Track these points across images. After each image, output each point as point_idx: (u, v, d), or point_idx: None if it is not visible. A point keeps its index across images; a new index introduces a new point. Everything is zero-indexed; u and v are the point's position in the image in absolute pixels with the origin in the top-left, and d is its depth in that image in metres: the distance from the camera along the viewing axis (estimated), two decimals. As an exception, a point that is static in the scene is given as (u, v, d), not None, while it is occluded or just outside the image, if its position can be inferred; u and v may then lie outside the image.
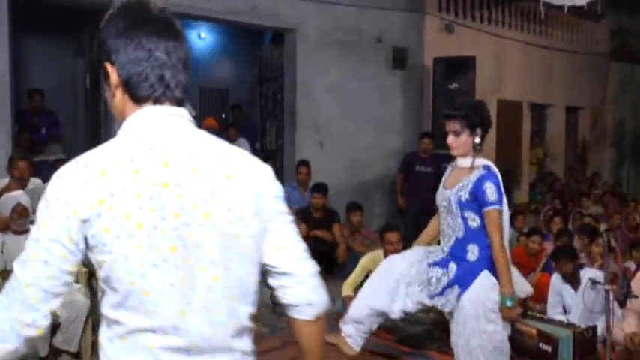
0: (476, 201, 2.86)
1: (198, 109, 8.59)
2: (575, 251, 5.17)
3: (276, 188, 1.45)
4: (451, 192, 2.95)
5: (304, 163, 6.56)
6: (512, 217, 7.14)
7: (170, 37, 1.31)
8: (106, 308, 1.32)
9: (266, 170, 1.44)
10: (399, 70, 7.88)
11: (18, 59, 6.78)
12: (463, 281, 2.96)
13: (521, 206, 9.02)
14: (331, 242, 5.96)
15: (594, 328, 4.32)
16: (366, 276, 5.17)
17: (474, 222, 2.91)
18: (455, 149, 2.97)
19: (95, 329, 4.26)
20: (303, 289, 1.48)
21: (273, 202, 1.42)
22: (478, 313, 2.90)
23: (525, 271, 5.39)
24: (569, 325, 4.35)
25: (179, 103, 1.37)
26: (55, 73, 8.05)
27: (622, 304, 4.62)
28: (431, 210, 7.16)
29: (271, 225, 1.41)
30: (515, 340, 4.27)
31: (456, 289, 2.97)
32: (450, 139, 2.97)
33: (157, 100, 1.31)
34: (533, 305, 5.07)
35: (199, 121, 7.42)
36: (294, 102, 7.07)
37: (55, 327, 3.99)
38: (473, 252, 2.94)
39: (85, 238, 1.23)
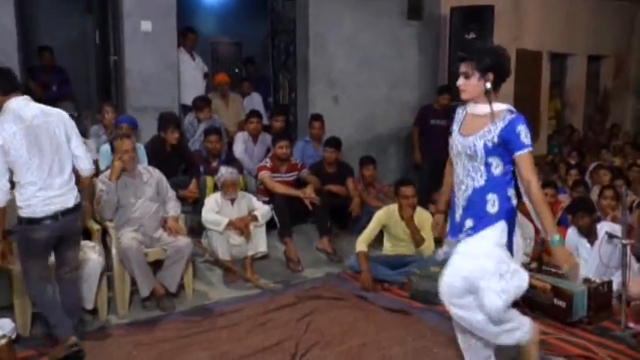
0: (506, 145, 2.76)
1: (210, 64, 8.48)
2: (593, 204, 5.06)
3: (71, 122, 3.66)
4: (475, 137, 2.82)
5: (318, 117, 6.47)
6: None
7: None
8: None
9: (64, 113, 3.65)
10: (415, 20, 7.65)
11: (27, 16, 6.72)
12: (477, 229, 2.86)
13: (539, 158, 8.85)
14: (345, 197, 5.92)
15: (610, 283, 4.27)
16: (381, 231, 5.17)
17: (498, 168, 2.81)
18: (464, 92, 2.87)
19: (110, 286, 4.32)
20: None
21: (70, 128, 3.62)
22: (482, 250, 2.82)
23: (541, 225, 5.33)
24: (584, 280, 4.30)
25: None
26: (64, 29, 7.99)
27: (639, 259, 4.55)
28: (445, 161, 7.17)
29: (71, 138, 3.61)
30: (529, 295, 4.24)
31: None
32: (460, 81, 2.86)
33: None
34: (547, 260, 5.02)
35: (211, 76, 7.33)
36: (307, 55, 6.93)
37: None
38: (493, 203, 2.82)
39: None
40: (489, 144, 2.78)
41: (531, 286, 4.22)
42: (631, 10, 11.22)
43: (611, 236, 4.41)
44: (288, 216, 5.42)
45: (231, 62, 10.14)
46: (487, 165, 2.82)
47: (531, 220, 5.09)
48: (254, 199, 5.28)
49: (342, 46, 7.05)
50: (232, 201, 5.08)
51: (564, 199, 5.90)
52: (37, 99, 6.33)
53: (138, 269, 4.29)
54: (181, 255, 4.45)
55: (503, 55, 2.88)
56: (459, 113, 3.02)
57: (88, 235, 4.46)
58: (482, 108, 2.84)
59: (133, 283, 4.38)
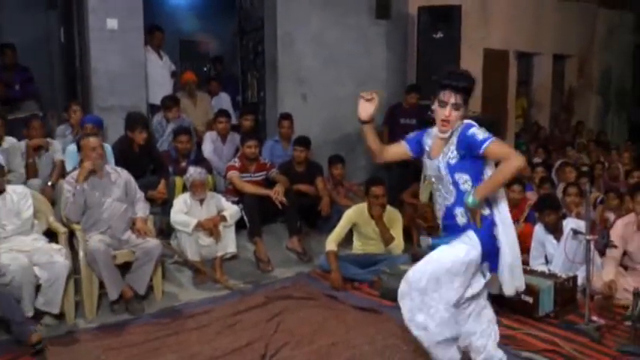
0: (469, 153, 2.72)
1: (178, 63, 8.39)
2: (559, 202, 5.17)
3: None
4: (439, 159, 2.83)
5: (287, 117, 6.46)
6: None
7: None
8: None
9: None
10: (383, 19, 7.69)
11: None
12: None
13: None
14: (314, 196, 5.92)
15: (575, 278, 4.37)
16: (350, 230, 5.19)
17: (466, 183, 2.79)
18: (448, 124, 2.75)
19: (77, 290, 4.24)
20: None
21: None
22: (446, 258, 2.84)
23: (508, 222, 5.41)
24: (550, 275, 4.39)
25: None
26: (27, 26, 7.79)
27: (602, 254, 4.66)
28: (415, 162, 7.25)
29: None
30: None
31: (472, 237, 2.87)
32: (448, 113, 2.73)
33: None
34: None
35: (179, 75, 7.25)
36: (276, 54, 6.91)
37: (36, 289, 3.96)
38: (462, 215, 2.82)
39: None
40: (451, 161, 2.78)
41: (499, 283, 4.33)
42: (593, 11, 11.48)
43: (575, 232, 4.50)
44: (257, 216, 5.40)
45: (199, 61, 10.05)
46: (455, 184, 2.81)
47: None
48: (223, 199, 5.25)
49: (310, 44, 7.05)
50: (201, 201, 5.04)
51: (531, 197, 5.99)
52: (0, 99, 6.30)
53: (106, 272, 4.22)
54: (150, 257, 4.40)
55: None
56: (426, 137, 2.98)
57: (54, 237, 4.38)
58: (449, 132, 2.82)
59: (101, 286, 4.31)
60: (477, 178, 2.78)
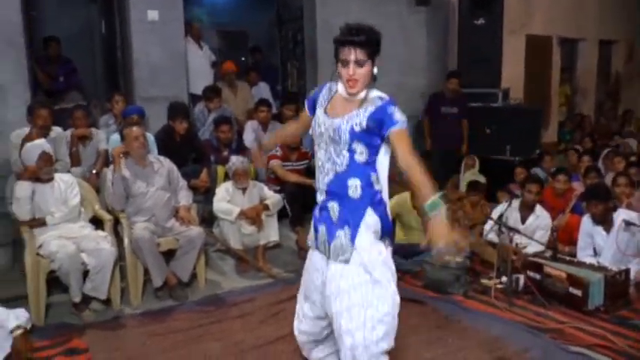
0: (377, 128, 2.44)
1: (217, 53, 8.41)
2: (608, 191, 4.99)
3: None
4: (341, 120, 2.48)
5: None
6: (540, 158, 6.99)
7: None
8: None
9: None
10: (423, 6, 7.58)
11: (32, 7, 6.66)
12: (352, 220, 2.52)
13: (549, 146, 8.80)
14: (356, 185, 5.87)
15: (627, 271, 4.22)
16: (394, 220, 5.12)
17: (362, 155, 2.48)
18: (357, 83, 2.42)
19: (123, 276, 4.31)
20: None
21: None
22: (368, 264, 2.50)
23: (554, 213, 5.28)
24: (600, 268, 4.25)
25: None
26: (70, 19, 7.91)
27: (656, 246, 4.50)
28: (456, 150, 7.17)
29: None
30: (544, 284, 4.22)
31: (347, 229, 2.52)
32: (352, 71, 2.39)
33: None
34: (562, 248, 4.98)
35: (219, 65, 7.28)
36: (315, 43, 6.88)
37: (84, 275, 4.04)
38: (355, 188, 2.50)
39: None
40: (356, 129, 2.46)
41: (547, 275, 4.23)
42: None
43: (628, 224, 4.36)
44: (299, 205, 5.38)
45: (237, 51, 10.06)
46: (350, 151, 2.50)
47: (547, 210, 5.09)
48: (265, 188, 5.25)
49: (351, 32, 6.97)
50: (243, 190, 5.05)
51: (577, 187, 5.84)
52: (45, 90, 6.42)
53: (150, 259, 4.28)
54: (194, 244, 4.44)
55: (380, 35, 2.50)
56: (326, 91, 2.64)
57: (100, 225, 4.46)
58: (359, 93, 2.49)
59: (146, 273, 4.37)
60: (372, 154, 2.50)
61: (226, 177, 5.33)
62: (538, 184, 5.17)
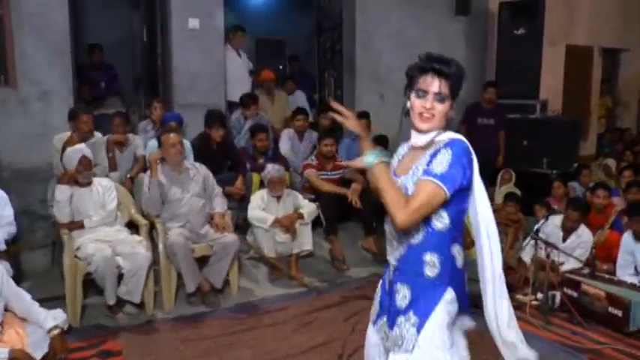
0: None
1: (255, 62, 8.49)
2: (650, 208, 4.86)
3: None
4: (406, 178, 2.03)
5: (364, 115, 6.39)
6: (578, 172, 6.84)
7: None
8: None
9: None
10: (463, 16, 7.53)
11: (77, 13, 6.82)
12: (423, 305, 2.04)
13: (588, 159, 8.60)
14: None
15: (671, 291, 4.10)
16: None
17: (439, 221, 1.99)
18: (432, 120, 2.00)
19: (157, 281, 4.36)
20: None
21: None
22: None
23: (593, 229, 5.15)
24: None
25: None
26: (112, 26, 8.09)
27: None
28: (492, 162, 7.06)
29: None
30: (581, 302, 4.12)
31: (413, 317, 2.04)
32: (430, 103, 1.99)
33: None
34: (600, 265, 4.85)
35: (256, 74, 7.33)
36: (354, 52, 6.88)
37: (119, 278, 4.10)
38: (432, 264, 2.02)
39: None
40: None
41: (584, 293, 4.12)
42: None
43: (671, 242, 4.23)
44: (333, 214, 5.38)
45: (276, 59, 10.14)
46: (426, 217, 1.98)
47: (587, 225, 4.95)
48: (300, 196, 5.26)
49: (389, 41, 6.98)
50: (278, 198, 5.07)
51: (618, 202, 5.69)
52: (86, 97, 6.57)
53: (184, 264, 4.32)
54: (227, 251, 4.47)
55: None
56: (400, 152, 2.23)
57: (136, 229, 4.53)
58: (427, 136, 2.04)
59: (179, 278, 4.42)
60: (455, 217, 2.01)
61: (261, 185, 5.36)
62: (579, 213, 4.86)
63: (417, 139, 2.06)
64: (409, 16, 7.05)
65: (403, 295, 2.07)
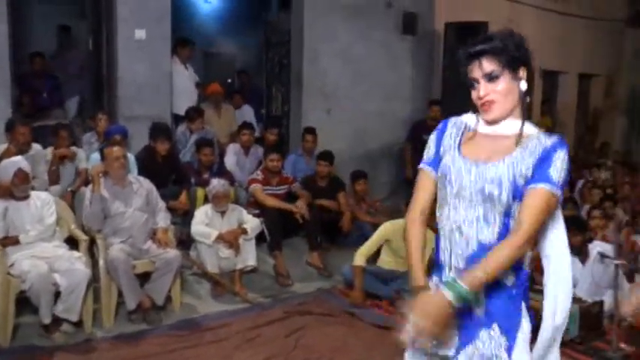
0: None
1: (203, 75, 8.44)
2: (584, 223, 5.05)
3: None
4: (499, 166, 1.76)
5: (310, 131, 6.44)
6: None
7: None
8: None
9: None
10: (409, 35, 7.68)
11: (20, 23, 6.65)
12: (505, 319, 1.78)
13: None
14: (336, 211, 5.88)
15: (601, 303, 4.25)
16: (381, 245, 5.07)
17: (514, 219, 1.77)
18: (493, 105, 1.77)
19: (96, 298, 4.24)
20: None
21: None
22: None
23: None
24: (575, 299, 4.26)
25: None
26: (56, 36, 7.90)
27: (630, 279, 4.54)
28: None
29: None
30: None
31: (498, 331, 1.77)
32: (483, 90, 1.76)
33: None
34: (538, 278, 4.99)
35: (203, 86, 7.29)
36: (301, 68, 6.92)
37: (56, 296, 3.96)
38: (509, 270, 1.77)
39: None
40: (520, 180, 1.74)
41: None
42: (620, 31, 11.35)
43: (603, 256, 4.40)
44: (278, 229, 5.37)
45: (224, 73, 10.10)
46: (507, 215, 1.77)
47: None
48: (244, 212, 5.23)
49: (336, 58, 7.05)
50: (222, 213, 5.03)
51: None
52: (28, 107, 6.38)
53: (125, 281, 4.22)
54: (170, 267, 4.39)
55: (524, 39, 1.85)
56: (451, 126, 1.93)
57: (75, 245, 4.40)
58: (512, 125, 1.80)
59: (120, 295, 4.30)
60: None
61: (206, 200, 5.31)
62: None
63: (497, 127, 1.82)
64: (356, 34, 7.15)
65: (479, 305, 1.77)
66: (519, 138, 1.77)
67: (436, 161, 1.91)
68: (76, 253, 4.24)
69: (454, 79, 7.56)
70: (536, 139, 1.76)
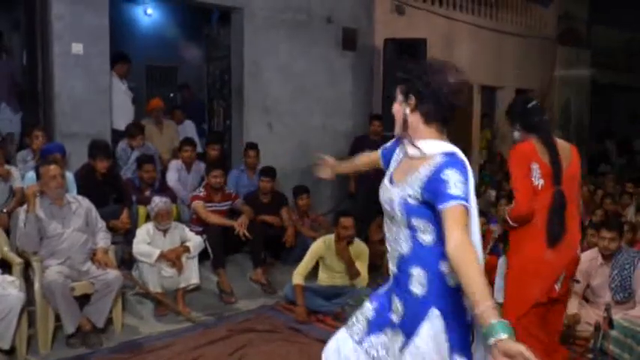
0: (430, 201, 1.89)
1: (144, 88, 8.31)
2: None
3: None
4: (396, 190, 1.99)
5: (252, 146, 6.43)
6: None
7: None
8: None
9: None
10: (349, 51, 7.80)
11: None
12: (407, 327, 1.98)
13: (470, 188, 9.11)
14: (279, 227, 5.89)
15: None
16: (317, 263, 5.15)
17: (425, 234, 1.95)
18: (397, 125, 2.10)
19: (31, 323, 4.09)
20: None
21: None
22: None
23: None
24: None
25: None
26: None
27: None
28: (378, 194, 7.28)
29: None
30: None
31: (400, 337, 2.01)
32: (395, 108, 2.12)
33: None
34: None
35: (145, 101, 7.18)
36: (242, 82, 6.91)
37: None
38: (418, 280, 1.95)
39: None
40: (410, 200, 1.93)
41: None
42: (552, 47, 11.88)
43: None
44: (221, 246, 5.34)
45: (166, 87, 9.98)
46: (411, 229, 1.97)
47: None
48: (187, 229, 5.18)
49: (277, 74, 7.08)
50: (165, 231, 4.96)
51: (495, 228, 6.07)
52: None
53: (63, 305, 4.09)
54: (110, 289, 4.29)
55: (438, 71, 2.05)
56: (401, 151, 2.15)
57: (8, 268, 4.24)
58: (412, 148, 2.01)
59: (57, 319, 4.17)
60: (438, 232, 1.92)
61: (148, 218, 5.22)
62: None
63: (410, 148, 2.03)
64: (297, 49, 7.21)
65: (396, 306, 2.04)
66: (422, 160, 1.96)
67: (387, 155, 2.27)
68: (8, 278, 4.07)
69: (394, 94, 7.72)
70: (432, 160, 1.93)
